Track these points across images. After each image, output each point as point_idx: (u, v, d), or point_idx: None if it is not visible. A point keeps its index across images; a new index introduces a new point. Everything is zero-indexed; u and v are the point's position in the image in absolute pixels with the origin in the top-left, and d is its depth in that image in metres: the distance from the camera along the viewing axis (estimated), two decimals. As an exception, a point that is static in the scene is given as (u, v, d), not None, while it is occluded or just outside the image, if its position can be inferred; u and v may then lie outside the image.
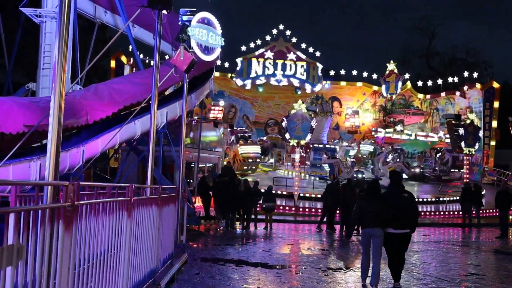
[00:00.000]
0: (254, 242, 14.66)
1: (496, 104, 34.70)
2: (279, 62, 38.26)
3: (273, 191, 19.60)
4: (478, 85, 35.78)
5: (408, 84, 40.39)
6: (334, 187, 18.81)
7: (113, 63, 34.20)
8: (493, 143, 35.00)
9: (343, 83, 40.85)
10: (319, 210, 20.98)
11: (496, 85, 35.33)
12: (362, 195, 11.77)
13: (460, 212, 22.69)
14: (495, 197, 18.63)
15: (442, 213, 24.33)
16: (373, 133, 37.48)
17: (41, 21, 13.83)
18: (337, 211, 18.70)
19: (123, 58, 33.65)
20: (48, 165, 4.20)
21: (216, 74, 32.62)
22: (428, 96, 39.96)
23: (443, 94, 38.53)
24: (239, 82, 38.30)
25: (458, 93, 37.11)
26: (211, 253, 11.97)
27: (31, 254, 3.35)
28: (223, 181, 18.23)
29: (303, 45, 38.86)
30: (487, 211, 24.13)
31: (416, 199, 25.00)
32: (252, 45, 38.19)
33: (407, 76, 40.40)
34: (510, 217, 19.98)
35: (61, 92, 4.27)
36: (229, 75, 38.54)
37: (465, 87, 36.26)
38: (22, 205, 4.74)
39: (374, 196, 8.70)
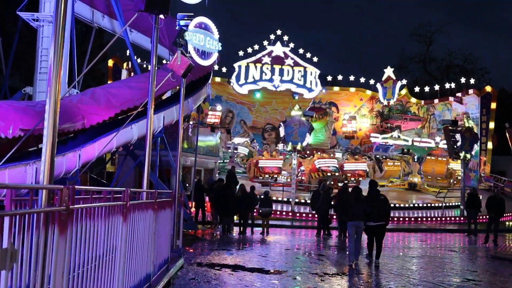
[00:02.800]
0: (250, 247, 14.64)
1: (493, 112, 34.76)
2: (277, 67, 38.29)
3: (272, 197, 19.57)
4: (475, 91, 35.85)
5: (405, 89, 40.42)
6: (324, 191, 18.67)
7: (110, 68, 34.19)
8: (490, 148, 35.04)
9: (340, 89, 40.90)
10: (316, 216, 20.92)
11: (493, 91, 35.41)
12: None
13: (462, 218, 22.65)
14: (486, 202, 18.49)
15: (439, 219, 24.29)
16: (370, 138, 37.53)
17: (38, 25, 13.79)
18: (333, 215, 18.76)
19: (120, 63, 33.65)
20: (43, 169, 4.18)
21: (214, 79, 32.62)
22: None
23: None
24: (238, 88, 38.29)
25: (452, 98, 37.09)
26: (207, 258, 11.94)
27: (26, 258, 3.34)
28: (221, 186, 18.21)
29: (301, 51, 38.93)
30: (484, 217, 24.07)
31: (413, 205, 25.49)
32: (249, 50, 38.23)
33: (404, 82, 40.42)
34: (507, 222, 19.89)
35: (56, 95, 4.25)
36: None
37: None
38: (17, 208, 4.71)
39: (360, 198, 11.70)
